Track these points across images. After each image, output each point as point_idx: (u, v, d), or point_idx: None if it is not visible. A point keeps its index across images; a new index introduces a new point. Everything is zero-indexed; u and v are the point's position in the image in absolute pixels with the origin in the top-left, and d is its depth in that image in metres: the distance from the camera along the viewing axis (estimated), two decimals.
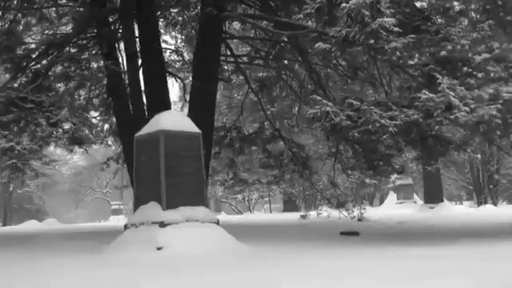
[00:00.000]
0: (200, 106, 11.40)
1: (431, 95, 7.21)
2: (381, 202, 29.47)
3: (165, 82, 12.02)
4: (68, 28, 14.69)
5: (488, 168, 23.56)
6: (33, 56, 11.24)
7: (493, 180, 23.84)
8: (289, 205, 30.14)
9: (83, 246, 8.18)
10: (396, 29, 7.33)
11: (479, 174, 23.93)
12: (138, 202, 6.75)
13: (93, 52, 11.92)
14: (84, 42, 11.85)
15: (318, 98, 7.59)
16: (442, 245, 7.22)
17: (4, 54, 13.44)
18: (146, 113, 10.82)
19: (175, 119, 6.76)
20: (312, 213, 16.72)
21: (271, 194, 30.44)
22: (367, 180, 19.36)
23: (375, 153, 13.79)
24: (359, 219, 15.00)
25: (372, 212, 17.59)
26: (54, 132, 8.71)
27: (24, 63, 11.82)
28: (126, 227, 6.76)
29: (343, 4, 7.18)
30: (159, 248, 6.08)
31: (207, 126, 11.65)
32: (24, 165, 11.05)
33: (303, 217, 16.04)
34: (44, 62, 12.27)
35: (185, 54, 14.46)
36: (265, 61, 13.21)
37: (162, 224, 6.28)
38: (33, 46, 14.08)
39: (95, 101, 14.14)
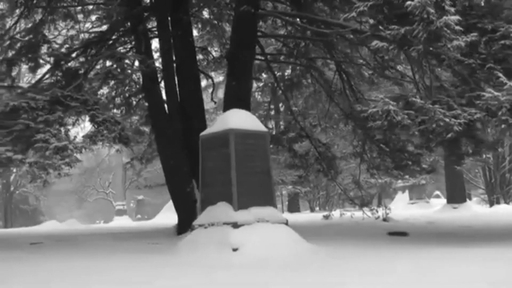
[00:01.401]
0: (235, 104, 11.28)
1: (496, 93, 7.15)
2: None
3: (198, 79, 11.92)
4: (90, 26, 14.60)
5: (500, 168, 23.62)
6: (71, 54, 11.03)
7: (505, 180, 23.90)
8: (293, 206, 30.10)
9: (141, 246, 8.10)
10: (457, 27, 7.28)
11: (491, 174, 23.99)
12: (206, 202, 6.64)
13: (124, 50, 11.80)
14: (119, 40, 11.71)
15: (380, 96, 7.51)
16: (500, 246, 7.16)
17: (29, 53, 13.34)
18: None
19: (243, 117, 6.65)
20: (331, 214, 16.56)
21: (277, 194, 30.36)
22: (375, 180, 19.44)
23: (404, 153, 13.79)
24: (384, 219, 14.92)
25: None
26: (100, 131, 8.53)
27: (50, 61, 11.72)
28: (193, 227, 6.63)
29: (408, 2, 7.10)
30: (234, 249, 5.97)
31: None
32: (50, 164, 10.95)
33: (326, 217, 15.92)
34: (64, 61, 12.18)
35: (213, 51, 14.36)
36: (295, 58, 13.13)
37: (236, 225, 6.17)
38: (57, 45, 14.00)
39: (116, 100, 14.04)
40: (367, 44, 9.27)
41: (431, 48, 7.56)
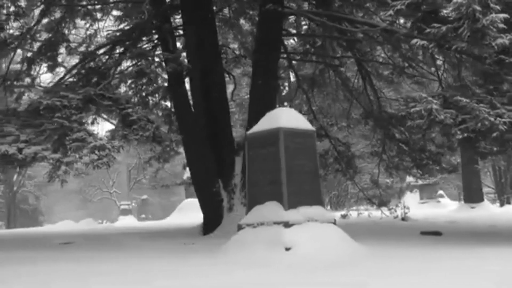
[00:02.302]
0: (261, 103, 11.25)
1: None
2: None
3: (223, 77, 11.86)
4: (109, 25, 14.51)
5: (511, 168, 23.61)
6: (97, 52, 10.94)
7: None
8: None
9: (178, 247, 8.04)
10: (501, 25, 7.23)
11: (501, 173, 23.99)
12: (253, 201, 6.56)
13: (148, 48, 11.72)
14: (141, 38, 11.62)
15: (423, 95, 7.46)
16: None
17: (48, 52, 13.26)
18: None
19: (292, 116, 6.58)
20: (349, 213, 16.49)
21: None
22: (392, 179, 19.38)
23: (424, 152, 13.75)
24: (403, 219, 14.89)
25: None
26: (134, 130, 8.44)
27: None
28: (240, 227, 6.56)
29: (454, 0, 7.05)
30: (287, 249, 5.90)
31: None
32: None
33: (344, 216, 15.88)
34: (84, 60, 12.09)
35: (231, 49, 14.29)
36: (317, 57, 13.09)
37: (287, 224, 6.10)
38: (76, 44, 13.92)
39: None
40: (405, 43, 9.19)
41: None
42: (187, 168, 25.50)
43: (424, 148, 13.58)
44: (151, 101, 14.51)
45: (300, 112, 17.54)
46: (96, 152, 7.71)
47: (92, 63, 12.18)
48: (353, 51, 13.02)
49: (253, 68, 11.56)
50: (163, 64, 10.12)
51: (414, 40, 7.75)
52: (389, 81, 14.03)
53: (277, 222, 6.18)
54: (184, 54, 10.86)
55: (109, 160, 7.80)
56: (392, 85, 14.27)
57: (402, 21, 10.22)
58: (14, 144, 7.94)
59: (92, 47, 11.62)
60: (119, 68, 10.72)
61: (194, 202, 20.87)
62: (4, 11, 12.20)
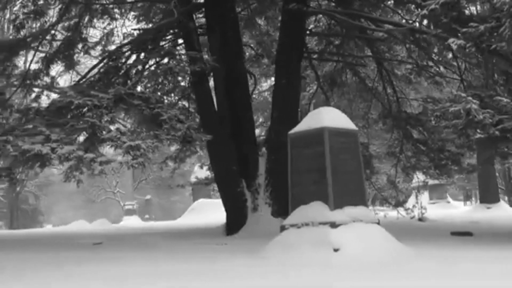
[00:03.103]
0: (285, 102, 11.23)
1: None
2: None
3: (246, 77, 11.81)
4: (127, 24, 14.46)
5: None
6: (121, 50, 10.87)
7: None
8: None
9: (211, 247, 7.98)
10: None
11: (510, 175, 24.00)
12: (296, 201, 6.51)
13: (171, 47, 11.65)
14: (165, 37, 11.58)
15: (463, 95, 7.42)
16: None
17: (66, 51, 13.18)
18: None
19: (335, 116, 6.53)
20: None
21: None
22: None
23: (443, 152, 13.71)
24: (420, 219, 14.85)
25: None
26: (165, 130, 8.37)
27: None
28: (283, 227, 6.50)
29: None
30: (336, 250, 5.85)
31: (293, 124, 11.47)
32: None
33: None
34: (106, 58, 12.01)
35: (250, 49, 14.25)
36: (338, 56, 13.06)
37: (334, 225, 6.04)
38: (93, 43, 13.85)
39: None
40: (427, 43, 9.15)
41: None
42: (195, 168, 25.55)
43: (443, 148, 13.56)
44: (166, 101, 14.54)
45: None
46: (131, 152, 7.62)
47: (112, 63, 12.14)
48: (373, 50, 12.98)
49: (276, 68, 11.53)
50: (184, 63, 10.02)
51: (451, 40, 7.71)
52: (407, 80, 14.03)
53: (323, 222, 6.12)
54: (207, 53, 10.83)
55: (144, 160, 7.72)
56: (411, 84, 14.27)
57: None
58: (47, 143, 7.85)
59: (113, 46, 11.49)
60: (139, 67, 10.61)
61: (206, 202, 20.90)
62: (25, 10, 12.15)
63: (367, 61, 13.78)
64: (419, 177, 22.37)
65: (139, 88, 13.40)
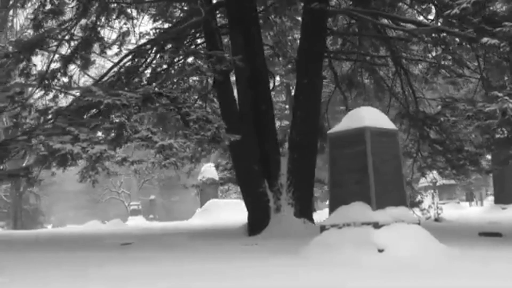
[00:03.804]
0: (307, 102, 11.19)
1: None
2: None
3: (267, 76, 11.76)
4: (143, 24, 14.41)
5: None
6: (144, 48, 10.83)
7: None
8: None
9: (242, 247, 7.90)
10: None
11: None
12: (336, 202, 6.46)
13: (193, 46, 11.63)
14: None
15: (499, 94, 7.38)
16: None
17: (83, 50, 13.12)
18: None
19: (376, 115, 6.49)
20: None
21: None
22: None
23: (462, 152, 13.66)
24: (436, 219, 14.81)
25: None
26: (194, 130, 8.31)
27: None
28: (323, 228, 6.45)
29: None
30: (380, 250, 5.80)
31: (315, 124, 11.46)
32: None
33: None
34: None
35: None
36: (357, 56, 13.03)
37: (377, 225, 6.00)
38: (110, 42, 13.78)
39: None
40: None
41: None
42: (202, 168, 25.53)
43: (461, 148, 13.52)
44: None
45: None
46: (163, 151, 7.56)
47: (130, 62, 12.11)
48: (392, 50, 12.95)
49: (297, 68, 11.49)
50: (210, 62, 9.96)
51: (485, 39, 7.67)
52: (424, 80, 14.00)
53: (365, 222, 6.08)
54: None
55: (176, 160, 7.66)
56: (428, 84, 14.24)
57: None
58: (77, 143, 7.79)
59: (130, 46, 11.46)
60: (163, 67, 10.56)
61: (219, 202, 20.85)
62: (44, 9, 12.10)
63: (385, 61, 13.73)
64: (426, 178, 22.40)
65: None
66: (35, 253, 7.85)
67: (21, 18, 21.47)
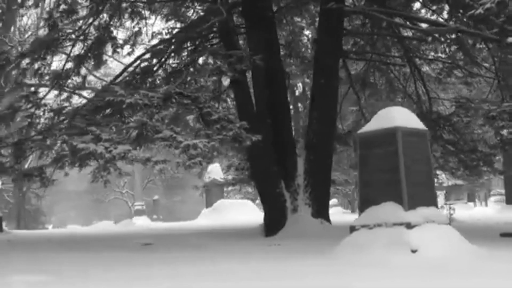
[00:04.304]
0: (324, 102, 11.16)
1: None
2: None
3: (283, 76, 11.73)
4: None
5: None
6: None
7: None
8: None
9: (267, 248, 7.87)
10: None
11: None
12: (367, 202, 6.42)
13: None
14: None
15: None
16: None
17: (96, 50, 13.09)
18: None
19: (406, 115, 6.46)
20: None
21: None
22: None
23: (475, 153, 13.65)
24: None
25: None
26: (216, 130, 8.27)
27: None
28: (353, 228, 6.42)
29: None
30: (413, 251, 5.77)
31: (331, 124, 11.44)
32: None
33: None
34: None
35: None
36: (371, 55, 13.02)
37: (409, 226, 5.97)
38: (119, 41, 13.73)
39: None
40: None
41: None
42: (209, 168, 25.46)
43: (475, 149, 13.51)
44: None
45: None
46: (188, 151, 7.52)
47: (146, 63, 12.06)
48: (406, 50, 12.93)
49: (314, 68, 11.46)
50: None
51: (510, 39, 7.65)
52: (437, 80, 13.99)
53: (397, 223, 6.04)
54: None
55: (202, 160, 7.63)
56: (441, 84, 14.23)
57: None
58: (100, 143, 7.75)
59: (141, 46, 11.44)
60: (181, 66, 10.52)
61: (228, 202, 20.82)
62: (60, 9, 12.07)
63: (401, 60, 13.70)
64: (438, 178, 22.32)
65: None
66: (79, 252, 7.80)
67: (25, 19, 21.41)
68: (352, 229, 6.45)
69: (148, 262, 6.30)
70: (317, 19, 11.95)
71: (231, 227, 13.86)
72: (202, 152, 7.57)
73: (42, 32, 16.69)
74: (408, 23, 11.61)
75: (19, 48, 16.46)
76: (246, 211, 18.04)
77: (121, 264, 6.08)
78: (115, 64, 21.24)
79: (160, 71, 11.45)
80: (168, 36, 13.55)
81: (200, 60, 12.64)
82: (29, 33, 19.68)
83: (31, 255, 7.46)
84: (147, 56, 11.15)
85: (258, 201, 21.09)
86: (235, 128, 8.26)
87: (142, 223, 24.51)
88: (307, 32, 13.98)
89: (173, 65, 10.55)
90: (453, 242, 6.13)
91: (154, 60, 11.03)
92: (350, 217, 14.41)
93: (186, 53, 10.37)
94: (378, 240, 6.05)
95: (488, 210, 19.14)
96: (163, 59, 11.28)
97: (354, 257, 6.02)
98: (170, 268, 5.72)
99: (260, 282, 4.79)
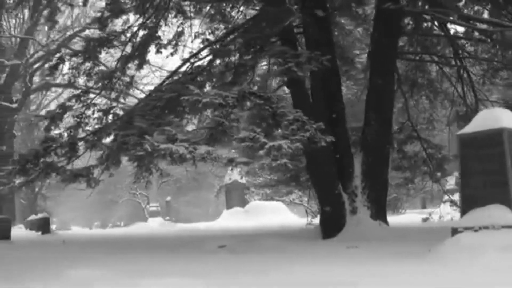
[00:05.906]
0: (381, 104, 11.08)
1: None
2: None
3: (338, 75, 11.62)
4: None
5: None
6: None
7: None
8: None
9: (344, 250, 7.75)
10: None
11: None
12: (469, 203, 6.32)
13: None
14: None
15: None
16: None
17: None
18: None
19: (510, 116, 6.34)
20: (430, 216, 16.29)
21: None
22: None
23: None
24: None
25: None
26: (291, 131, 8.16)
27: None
28: (456, 230, 6.31)
29: None
30: None
31: (388, 125, 11.33)
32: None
33: (425, 220, 15.75)
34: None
35: None
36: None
37: None
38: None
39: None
40: None
41: None
42: (229, 170, 25.31)
43: None
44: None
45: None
46: (271, 153, 7.41)
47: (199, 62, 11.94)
48: (456, 50, 12.86)
49: (371, 68, 11.36)
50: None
51: None
52: (483, 81, 13.91)
53: (506, 226, 5.94)
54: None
55: (286, 161, 7.52)
56: (486, 85, 14.15)
57: None
58: (179, 143, 7.64)
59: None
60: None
61: (260, 204, 20.71)
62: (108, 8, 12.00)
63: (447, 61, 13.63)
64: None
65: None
66: (158, 253, 7.69)
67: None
68: (454, 231, 6.34)
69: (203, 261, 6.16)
70: (372, 20, 11.85)
71: (275, 229, 13.75)
72: (286, 153, 7.43)
73: (89, 32, 16.56)
74: (465, 23, 11.49)
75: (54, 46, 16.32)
76: (279, 214, 17.92)
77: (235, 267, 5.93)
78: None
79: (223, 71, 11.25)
80: (211, 37, 13.50)
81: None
82: (69, 32, 19.57)
83: (120, 257, 7.33)
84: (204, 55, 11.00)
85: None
86: (311, 129, 8.13)
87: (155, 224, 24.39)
88: (357, 33, 13.80)
89: (238, 64, 10.33)
90: None
91: (217, 61, 10.87)
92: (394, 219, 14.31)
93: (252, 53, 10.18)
94: (486, 243, 5.92)
95: None
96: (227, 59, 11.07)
97: (461, 260, 5.89)
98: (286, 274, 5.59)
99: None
